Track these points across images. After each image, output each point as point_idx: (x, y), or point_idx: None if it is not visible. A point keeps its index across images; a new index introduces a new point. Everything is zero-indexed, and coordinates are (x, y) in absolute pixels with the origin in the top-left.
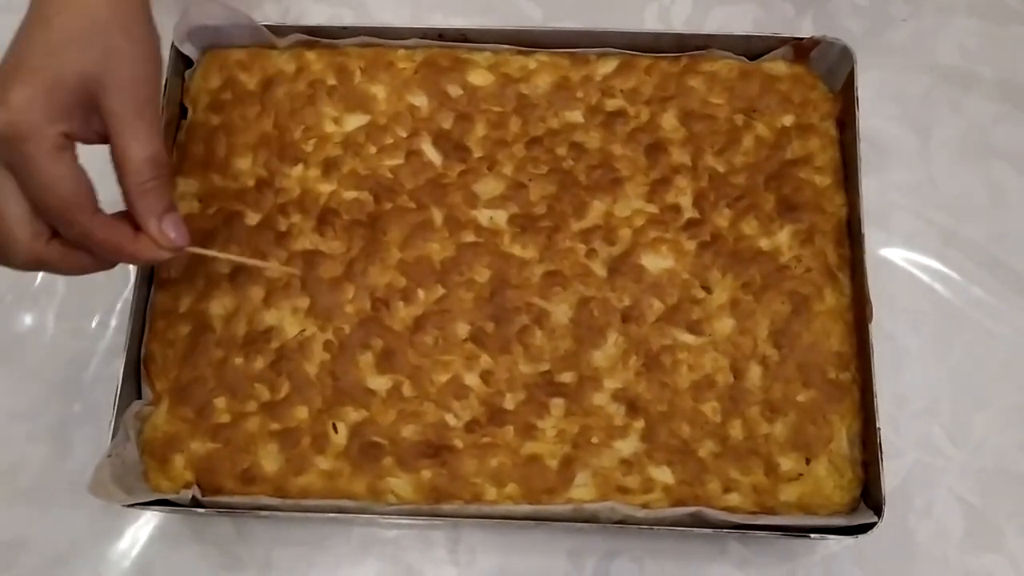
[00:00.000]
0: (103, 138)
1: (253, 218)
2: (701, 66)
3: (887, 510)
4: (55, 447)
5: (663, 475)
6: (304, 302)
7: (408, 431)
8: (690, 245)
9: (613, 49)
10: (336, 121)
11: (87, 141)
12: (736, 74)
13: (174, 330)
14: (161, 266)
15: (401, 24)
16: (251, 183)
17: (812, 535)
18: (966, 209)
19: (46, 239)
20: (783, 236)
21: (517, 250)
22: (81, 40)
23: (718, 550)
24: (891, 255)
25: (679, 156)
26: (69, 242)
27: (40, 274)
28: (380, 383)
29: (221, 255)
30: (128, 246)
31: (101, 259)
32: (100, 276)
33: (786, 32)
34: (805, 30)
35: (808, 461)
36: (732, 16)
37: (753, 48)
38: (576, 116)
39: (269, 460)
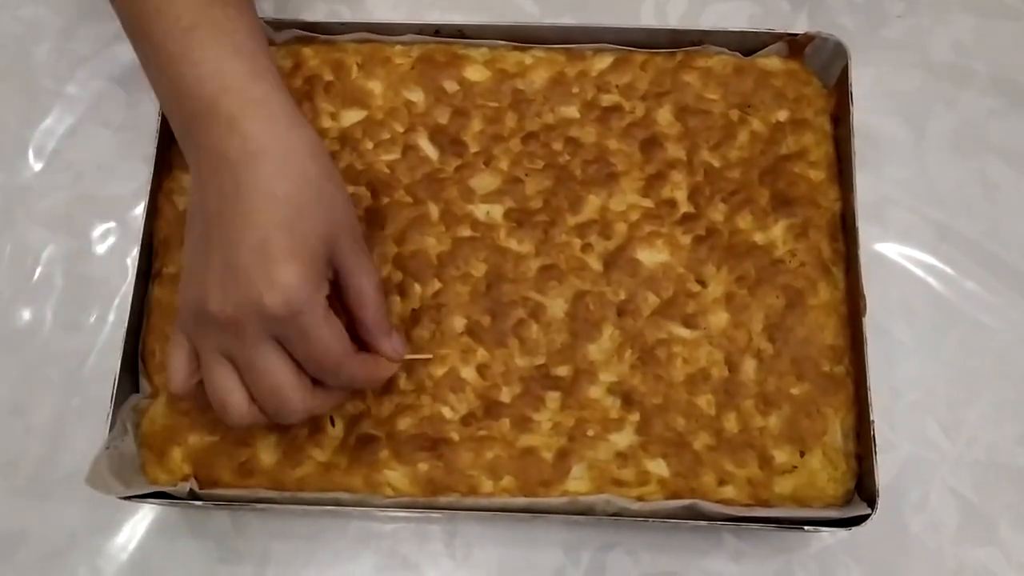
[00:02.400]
0: (331, 281)
1: None
2: (696, 62)
3: (881, 503)
4: (53, 441)
5: (658, 468)
6: None
7: (404, 424)
8: (685, 239)
9: (609, 45)
10: (333, 116)
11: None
12: (731, 70)
13: (172, 325)
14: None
15: (398, 20)
16: None
17: (806, 527)
18: (960, 204)
19: (312, 392)
20: (777, 230)
21: (513, 244)
22: (311, 205)
23: (713, 543)
24: (885, 250)
25: (674, 151)
26: (326, 385)
27: (39, 269)
28: None
29: (422, 356)
30: (376, 373)
31: (350, 389)
32: (98, 271)
33: (781, 28)
34: (800, 26)
35: (802, 454)
36: (727, 12)
37: (748, 44)
38: (572, 111)
39: (266, 452)
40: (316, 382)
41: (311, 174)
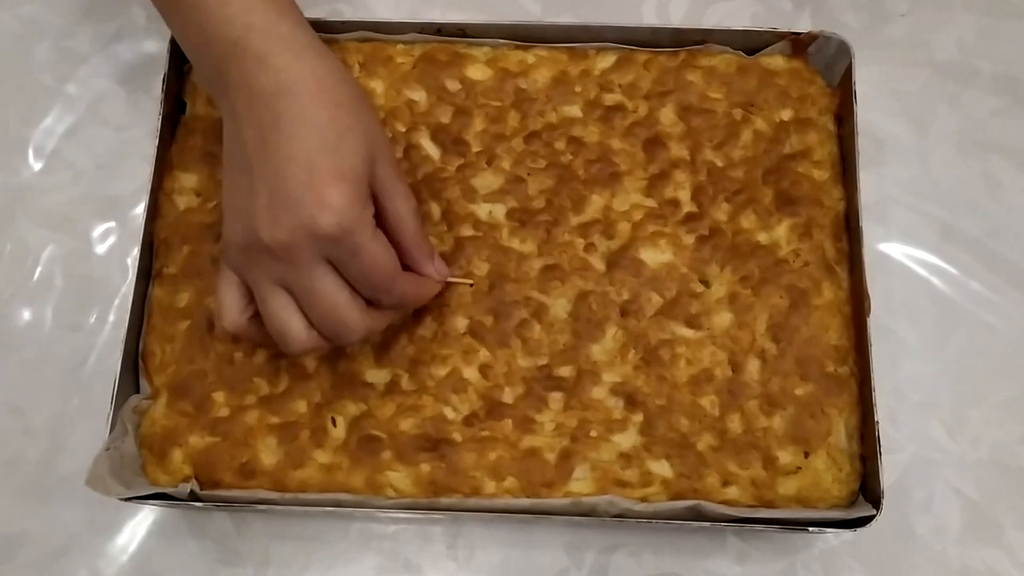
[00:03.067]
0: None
1: None
2: (699, 61)
3: (886, 504)
4: (53, 442)
5: (662, 469)
6: None
7: (407, 425)
8: (688, 239)
9: (611, 44)
10: None
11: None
12: (734, 69)
13: (173, 325)
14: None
15: (399, 19)
16: None
17: (811, 529)
18: (964, 203)
19: (367, 311)
20: (781, 230)
21: (516, 244)
22: (350, 128)
23: (717, 544)
24: (889, 249)
25: (677, 150)
26: (377, 305)
27: (38, 268)
28: (379, 377)
29: (464, 280)
30: (424, 291)
31: (398, 310)
32: (98, 271)
33: (784, 27)
34: (803, 25)
35: (806, 455)
36: (730, 11)
37: (751, 43)
38: (574, 110)
39: (268, 454)
40: (368, 303)
41: (345, 100)
